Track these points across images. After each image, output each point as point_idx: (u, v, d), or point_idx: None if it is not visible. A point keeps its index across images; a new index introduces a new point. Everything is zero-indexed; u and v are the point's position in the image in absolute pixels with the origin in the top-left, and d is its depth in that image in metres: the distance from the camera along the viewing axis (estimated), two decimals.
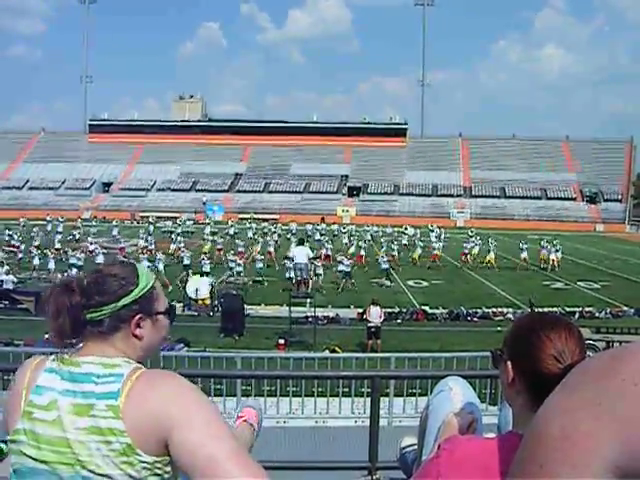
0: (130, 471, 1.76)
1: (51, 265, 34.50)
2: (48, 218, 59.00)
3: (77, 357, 1.91)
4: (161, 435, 1.75)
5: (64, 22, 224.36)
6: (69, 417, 1.79)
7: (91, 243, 44.04)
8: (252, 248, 42.01)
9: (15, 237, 47.04)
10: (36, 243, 43.83)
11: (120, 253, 41.74)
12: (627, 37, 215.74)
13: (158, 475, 1.80)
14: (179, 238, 46.85)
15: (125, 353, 1.96)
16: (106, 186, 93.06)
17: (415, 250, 42.86)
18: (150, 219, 64.68)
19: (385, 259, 35.87)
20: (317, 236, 51.54)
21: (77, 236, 50.56)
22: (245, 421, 2.43)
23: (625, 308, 27.95)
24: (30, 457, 1.81)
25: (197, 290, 27.55)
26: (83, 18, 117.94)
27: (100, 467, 1.76)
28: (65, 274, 30.26)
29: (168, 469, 1.81)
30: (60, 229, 53.44)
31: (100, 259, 35.29)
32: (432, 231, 55.32)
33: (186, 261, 35.29)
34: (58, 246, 42.69)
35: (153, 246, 42.65)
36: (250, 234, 51.76)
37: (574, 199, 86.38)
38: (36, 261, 36.20)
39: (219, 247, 41.91)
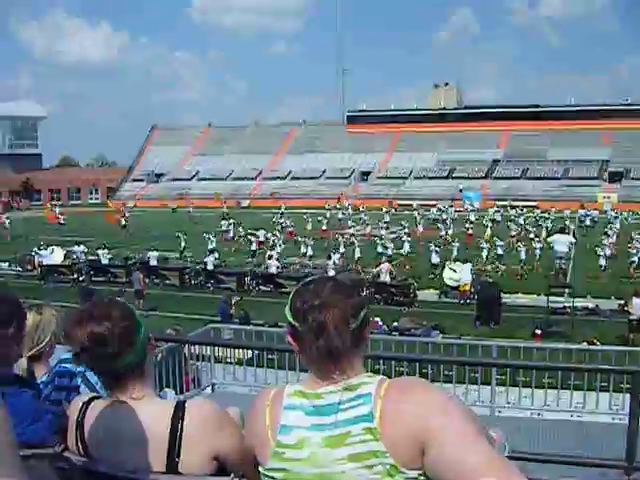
0: None
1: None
2: (327, 206, 63.73)
3: (316, 387, 1.92)
4: (419, 448, 1.75)
5: (320, 19, 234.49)
6: (324, 451, 1.84)
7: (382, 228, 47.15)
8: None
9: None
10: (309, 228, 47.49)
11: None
12: None
13: None
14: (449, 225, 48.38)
15: (362, 363, 1.99)
16: (365, 175, 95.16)
17: None
18: (414, 206, 65.62)
19: None
20: (587, 222, 49.62)
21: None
22: None
23: None
24: None
25: (459, 277, 27.53)
26: (338, 13, 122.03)
27: None
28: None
29: None
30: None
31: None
32: None
33: (500, 251, 35.08)
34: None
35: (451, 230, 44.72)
36: (521, 221, 51.09)
37: None
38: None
39: (512, 233, 41.78)
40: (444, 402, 1.82)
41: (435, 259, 32.37)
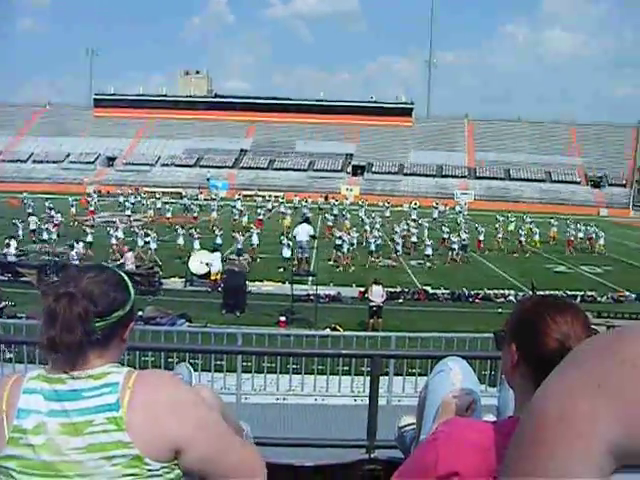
0: None
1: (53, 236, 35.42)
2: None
3: (59, 373, 1.79)
4: (171, 446, 1.73)
5: None
6: (60, 439, 1.71)
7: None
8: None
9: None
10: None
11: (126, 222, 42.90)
12: (636, 20, 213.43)
13: (162, 476, 1.76)
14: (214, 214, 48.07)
15: (114, 359, 1.88)
16: (110, 160, 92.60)
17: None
18: (156, 195, 63.28)
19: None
20: (335, 211, 51.43)
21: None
22: None
23: (627, 293, 27.83)
24: None
25: (208, 265, 27.45)
26: None
27: None
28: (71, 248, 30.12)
29: (177, 472, 1.78)
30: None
31: (120, 234, 34.73)
32: (436, 208, 56.40)
33: (219, 240, 33.92)
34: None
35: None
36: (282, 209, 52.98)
37: (578, 183, 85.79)
38: (45, 235, 35.87)
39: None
40: (193, 401, 1.84)
41: (287, 253, 31.00)
